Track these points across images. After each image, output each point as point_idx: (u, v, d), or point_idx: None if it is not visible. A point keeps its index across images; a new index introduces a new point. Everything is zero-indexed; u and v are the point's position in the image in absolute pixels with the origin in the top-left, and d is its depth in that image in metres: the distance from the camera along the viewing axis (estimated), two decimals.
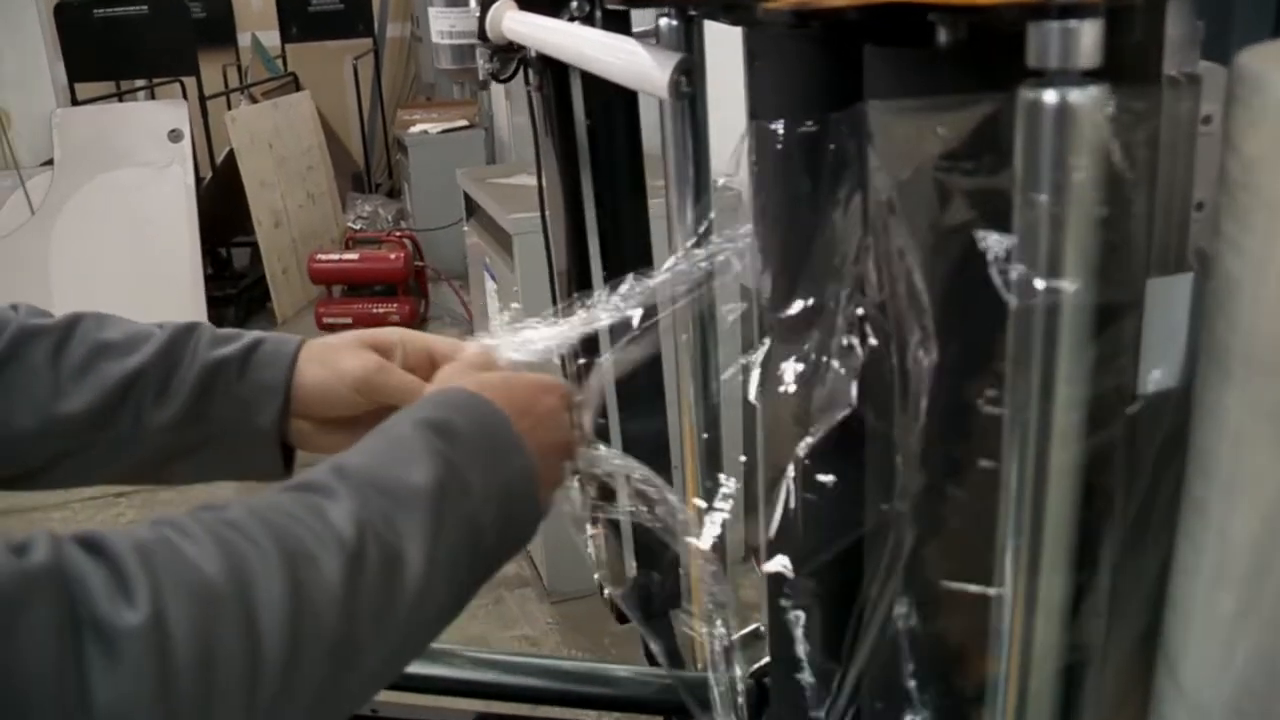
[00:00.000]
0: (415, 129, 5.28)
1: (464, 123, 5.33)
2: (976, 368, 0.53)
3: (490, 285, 2.97)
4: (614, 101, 0.91)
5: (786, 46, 0.63)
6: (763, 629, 0.91)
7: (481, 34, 0.88)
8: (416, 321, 4.73)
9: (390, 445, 0.60)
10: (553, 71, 0.89)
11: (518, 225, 2.62)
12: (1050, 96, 0.43)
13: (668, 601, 1.13)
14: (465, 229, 3.34)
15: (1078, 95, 0.43)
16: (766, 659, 0.87)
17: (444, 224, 4.91)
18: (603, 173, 0.93)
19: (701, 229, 0.79)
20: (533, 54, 0.89)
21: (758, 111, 0.67)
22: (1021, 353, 0.46)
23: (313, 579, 0.50)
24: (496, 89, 6.54)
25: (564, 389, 0.74)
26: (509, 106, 5.22)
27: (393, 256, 4.64)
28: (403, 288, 4.69)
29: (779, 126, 0.64)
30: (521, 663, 1.01)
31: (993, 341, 0.51)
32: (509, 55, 0.90)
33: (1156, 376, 0.55)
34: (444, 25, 1.00)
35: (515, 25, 0.88)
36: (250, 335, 0.79)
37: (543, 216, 0.98)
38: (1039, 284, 0.45)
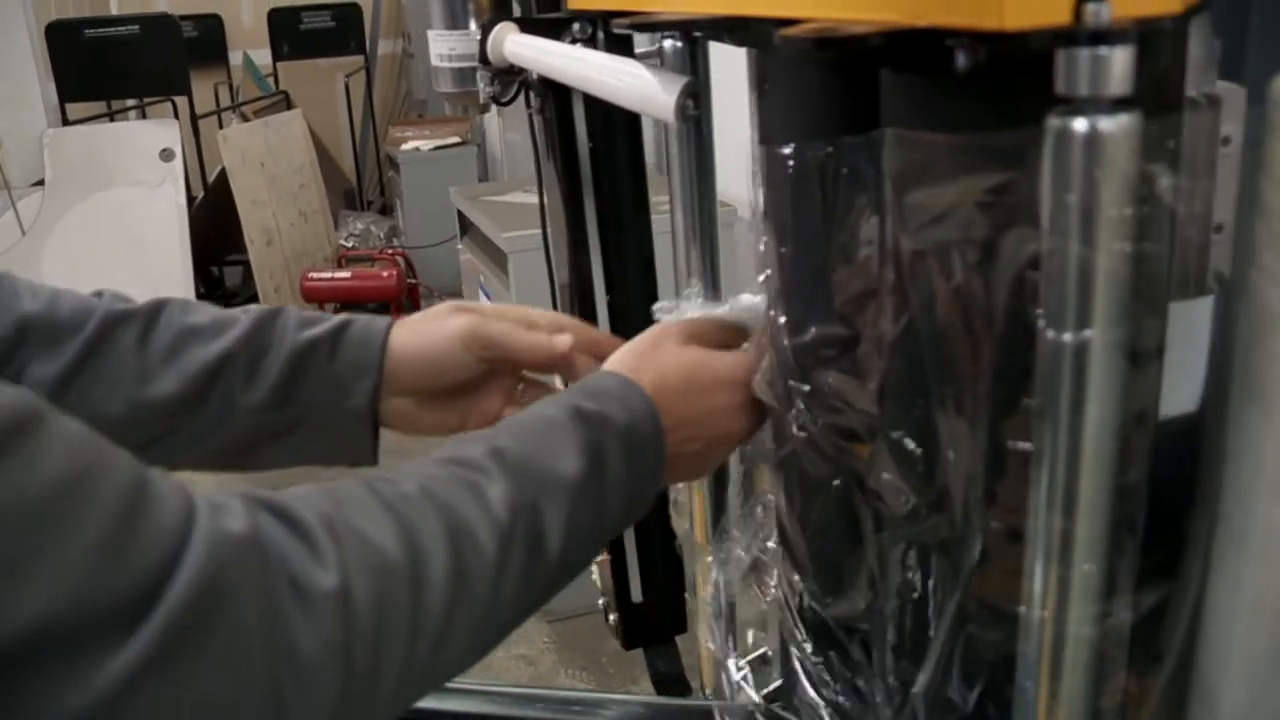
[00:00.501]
0: (407, 146, 5.27)
1: (456, 139, 5.32)
2: (1004, 403, 0.52)
3: (485, 303, 2.97)
4: (616, 122, 0.90)
5: (800, 71, 0.62)
6: (770, 653, 0.89)
7: (483, 57, 0.87)
8: None
9: (543, 432, 0.63)
10: (554, 94, 0.88)
11: (513, 243, 2.61)
12: (1080, 125, 0.42)
13: (674, 626, 1.12)
14: (459, 247, 3.32)
15: (1109, 124, 0.42)
16: (778, 682, 0.85)
17: (436, 241, 4.90)
18: (605, 193, 0.91)
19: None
20: (534, 76, 0.88)
21: (768, 136, 0.66)
22: (1051, 383, 0.45)
23: (471, 556, 0.56)
24: None
25: (748, 386, 0.72)
26: (501, 123, 5.22)
27: (385, 274, 4.62)
28: (395, 306, 4.66)
29: (791, 152, 0.62)
30: (519, 694, 0.99)
31: (1019, 376, 0.50)
32: (510, 78, 0.89)
33: (1177, 401, 0.54)
34: (443, 48, 0.99)
35: (517, 48, 0.86)
36: (339, 317, 0.80)
37: (544, 235, 0.97)
38: (1068, 318, 0.44)
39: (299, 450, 0.76)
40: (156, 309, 0.74)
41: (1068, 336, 0.44)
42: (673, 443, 0.68)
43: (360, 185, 6.17)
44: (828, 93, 0.62)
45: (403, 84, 6.57)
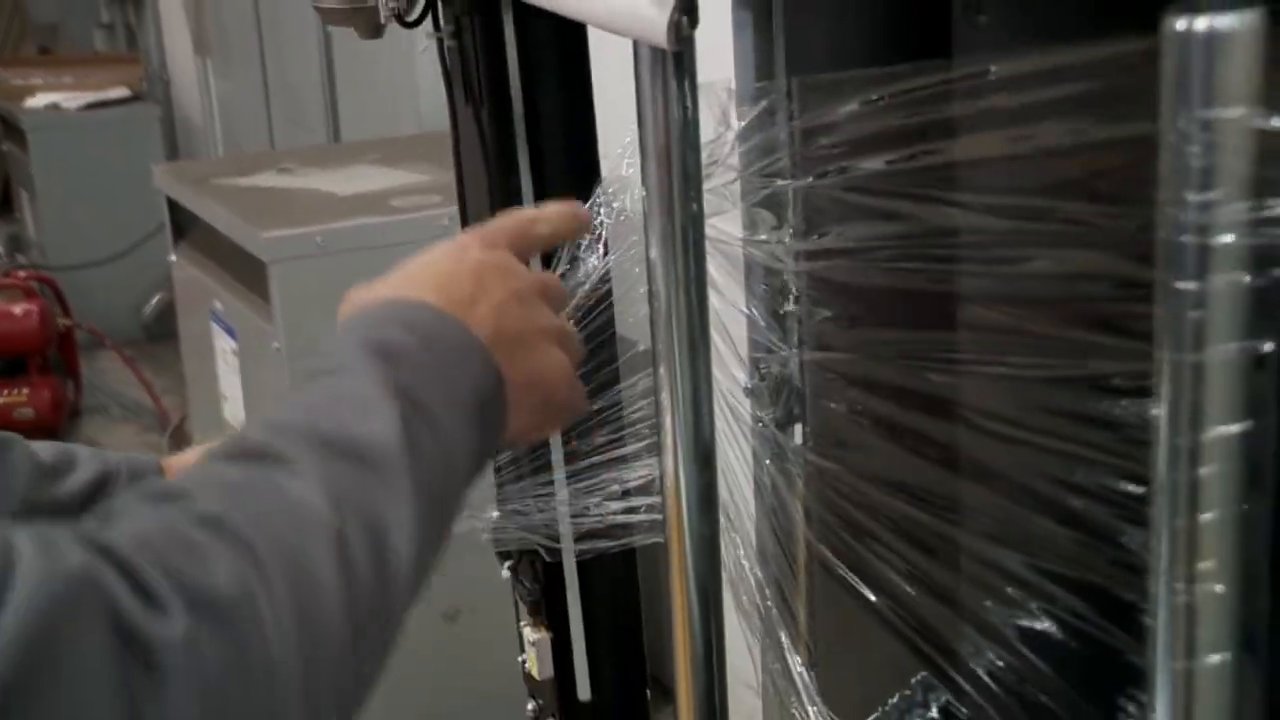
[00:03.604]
0: (37, 100, 4.84)
1: (123, 92, 4.96)
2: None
3: (225, 344, 2.94)
4: (560, 50, 1.04)
5: None
6: None
7: None
8: (64, 415, 4.39)
9: (335, 385, 0.70)
10: (480, 13, 1.01)
11: (277, 248, 2.53)
12: (1201, 24, 0.60)
13: None
14: (172, 259, 3.24)
15: (1232, 21, 0.60)
16: None
17: (101, 257, 4.66)
18: (543, 144, 1.05)
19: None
20: None
21: (797, 64, 0.81)
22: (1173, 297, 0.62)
23: (309, 580, 0.61)
24: (173, 37, 6.25)
25: (496, 232, 0.83)
26: (205, 66, 4.82)
27: (17, 311, 4.22)
28: (37, 363, 4.30)
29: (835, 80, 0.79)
30: None
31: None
32: None
33: None
34: None
35: None
36: (87, 466, 0.89)
37: (463, 212, 1.09)
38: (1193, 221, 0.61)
39: None
40: None
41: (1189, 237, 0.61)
42: (479, 325, 0.75)
43: None
44: (876, 10, 0.78)
45: None
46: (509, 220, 0.86)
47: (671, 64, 0.91)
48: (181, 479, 0.65)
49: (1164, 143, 0.62)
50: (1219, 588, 0.63)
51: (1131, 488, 0.70)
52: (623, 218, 0.99)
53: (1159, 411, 0.63)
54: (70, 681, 0.50)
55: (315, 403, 0.70)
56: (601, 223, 1.02)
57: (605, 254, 1.03)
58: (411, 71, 3.33)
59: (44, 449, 0.91)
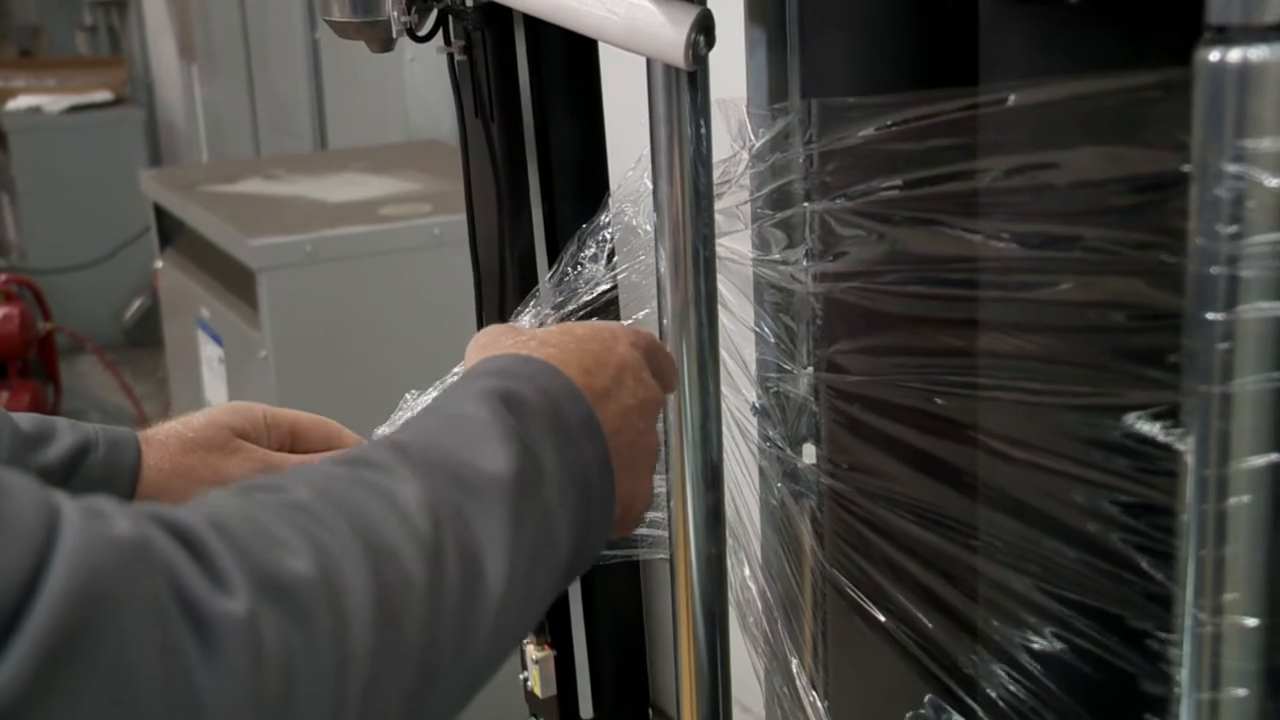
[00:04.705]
0: (18, 103, 4.90)
1: (106, 95, 5.00)
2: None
3: (211, 352, 2.94)
4: (570, 65, 1.04)
5: (866, 7, 0.78)
6: None
7: None
8: None
9: (452, 421, 0.69)
10: (492, 28, 1.01)
11: (266, 256, 2.50)
12: (1235, 56, 0.60)
13: None
14: (158, 266, 3.23)
15: (1265, 53, 0.60)
16: None
17: (83, 260, 4.68)
18: (553, 158, 1.04)
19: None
20: (466, 2, 1.00)
21: (812, 85, 0.81)
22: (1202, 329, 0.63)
23: (396, 581, 0.60)
24: (158, 44, 6.19)
25: (643, 335, 0.82)
26: (190, 71, 4.79)
27: None
28: (16, 367, 4.33)
29: (857, 104, 0.78)
30: None
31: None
32: (427, 3, 1.01)
33: None
34: None
35: None
36: (66, 435, 0.89)
37: (471, 227, 1.09)
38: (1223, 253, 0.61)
39: None
40: None
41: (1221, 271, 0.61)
42: (595, 397, 0.74)
43: None
44: (896, 32, 0.78)
45: None
46: (649, 331, 0.87)
47: (686, 83, 0.91)
48: (291, 471, 0.65)
49: (1194, 173, 0.62)
50: (1246, 620, 0.63)
51: (1156, 516, 0.70)
52: (641, 232, 1.00)
53: (1187, 443, 0.64)
54: (119, 646, 0.49)
55: (431, 427, 0.70)
56: (611, 235, 1.02)
57: (610, 260, 1.03)
58: (400, 79, 3.32)
59: (23, 419, 0.91)
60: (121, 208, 4.42)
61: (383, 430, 0.97)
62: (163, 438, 0.93)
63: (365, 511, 0.61)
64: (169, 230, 3.19)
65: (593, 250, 1.02)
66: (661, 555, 1.01)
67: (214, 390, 2.94)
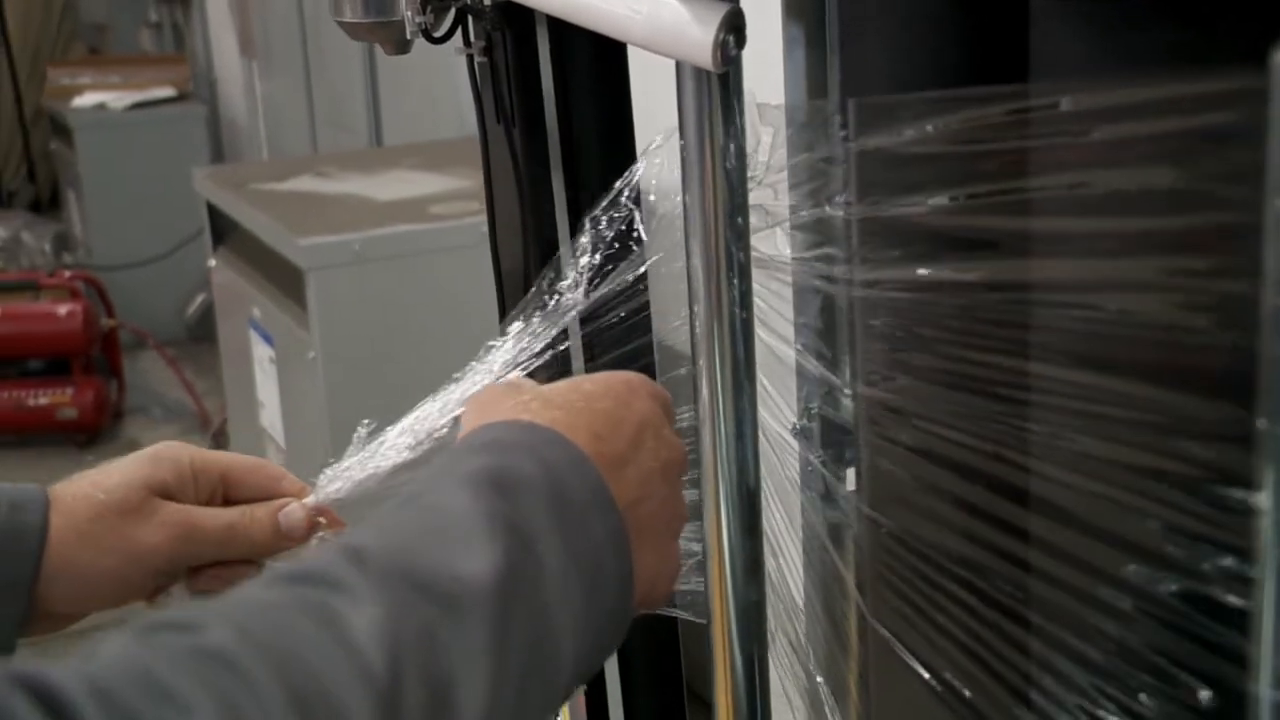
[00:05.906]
0: (84, 100, 4.90)
1: (169, 92, 5.00)
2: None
3: (263, 352, 2.93)
4: (596, 68, 0.98)
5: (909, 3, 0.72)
6: None
7: None
8: (107, 415, 4.46)
9: (427, 515, 0.61)
10: (513, 28, 0.95)
11: (314, 255, 2.52)
12: None
13: None
14: (211, 264, 3.25)
15: None
16: None
17: (145, 257, 4.68)
18: (578, 163, 0.99)
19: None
20: (485, 1, 0.95)
21: (853, 84, 0.75)
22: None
23: None
24: (221, 40, 6.31)
25: (659, 389, 0.75)
26: (251, 67, 4.84)
27: (61, 311, 4.28)
28: (81, 363, 4.38)
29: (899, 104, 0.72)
30: None
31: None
32: (444, 2, 0.95)
33: None
34: None
35: None
36: None
37: (492, 234, 1.04)
38: None
39: None
40: None
41: None
42: (607, 466, 0.66)
43: None
44: (940, 27, 0.72)
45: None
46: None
47: (717, 85, 0.85)
48: (218, 599, 0.56)
49: (1269, 192, 0.55)
50: None
51: (1230, 565, 0.63)
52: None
53: (1262, 493, 0.56)
54: None
55: (401, 523, 0.62)
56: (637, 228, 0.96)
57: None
58: (453, 74, 3.28)
59: None
60: (184, 204, 4.42)
61: (346, 464, 0.90)
62: (70, 500, 0.85)
63: (299, 653, 0.52)
64: (222, 229, 3.20)
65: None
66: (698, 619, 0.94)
67: (266, 391, 2.92)
